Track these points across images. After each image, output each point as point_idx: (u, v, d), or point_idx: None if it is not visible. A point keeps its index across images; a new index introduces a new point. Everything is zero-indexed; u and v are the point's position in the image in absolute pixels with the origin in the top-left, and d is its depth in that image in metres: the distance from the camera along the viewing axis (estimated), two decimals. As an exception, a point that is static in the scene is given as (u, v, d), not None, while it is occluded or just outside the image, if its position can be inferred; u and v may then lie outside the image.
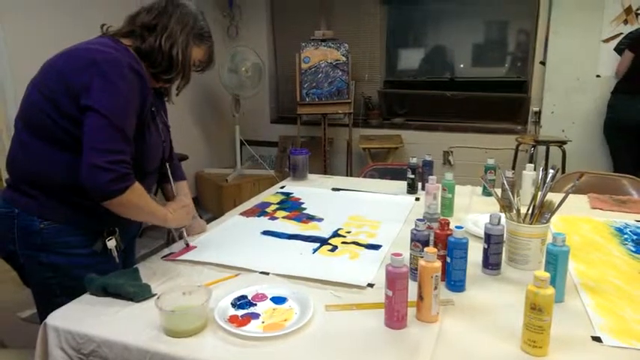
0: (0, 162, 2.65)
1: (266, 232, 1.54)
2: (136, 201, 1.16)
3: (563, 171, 3.27)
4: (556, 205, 1.25)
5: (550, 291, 0.88)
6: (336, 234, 1.52)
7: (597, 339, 0.95)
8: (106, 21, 1.31)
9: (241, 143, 4.25)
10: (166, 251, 1.37)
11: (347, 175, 4.12)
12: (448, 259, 1.13)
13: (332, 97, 3.88)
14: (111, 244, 1.25)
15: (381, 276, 1.11)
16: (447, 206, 1.67)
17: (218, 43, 5.00)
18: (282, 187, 2.07)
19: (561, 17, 3.63)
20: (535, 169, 1.73)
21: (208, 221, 1.63)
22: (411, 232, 1.18)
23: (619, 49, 3.45)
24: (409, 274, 1.00)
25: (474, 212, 1.67)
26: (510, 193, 1.35)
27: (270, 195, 1.96)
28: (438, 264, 0.99)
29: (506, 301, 1.09)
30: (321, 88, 3.88)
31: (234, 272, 1.24)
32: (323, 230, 1.56)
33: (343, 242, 1.45)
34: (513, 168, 3.43)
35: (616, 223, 1.60)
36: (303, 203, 1.85)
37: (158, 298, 0.98)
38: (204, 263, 1.29)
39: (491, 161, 1.86)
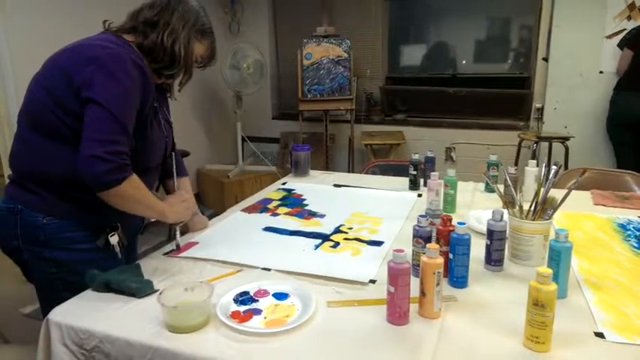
0: (2, 158, 2.66)
1: (268, 229, 1.54)
2: (133, 193, 1.16)
3: (566, 167, 3.26)
4: (559, 201, 1.24)
5: (553, 287, 0.88)
6: (338, 230, 1.52)
7: (600, 335, 0.95)
8: (108, 17, 1.31)
9: (243, 140, 4.25)
10: (168, 248, 1.36)
11: (349, 172, 4.12)
12: (450, 256, 1.13)
13: (334, 94, 3.88)
14: (114, 239, 1.25)
15: (383, 272, 1.11)
16: (450, 202, 1.66)
17: (220, 39, 4.97)
18: (283, 184, 2.07)
19: (564, 12, 3.61)
20: (538, 166, 1.73)
21: (210, 217, 1.63)
22: (413, 229, 1.18)
23: (622, 46, 3.43)
24: (411, 270, 1.00)
25: (476, 208, 1.66)
26: (513, 190, 1.35)
27: (271, 191, 1.96)
28: (441, 260, 0.99)
29: (509, 298, 1.09)
30: (322, 84, 3.87)
31: (236, 268, 1.24)
32: (325, 226, 1.56)
33: (345, 238, 1.45)
34: (516, 164, 3.42)
35: (619, 220, 1.59)
36: (304, 199, 1.85)
37: (160, 293, 0.98)
38: (206, 259, 1.29)
39: (493, 157, 1.85)
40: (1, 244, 1.26)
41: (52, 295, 1.18)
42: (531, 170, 1.74)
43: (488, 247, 1.23)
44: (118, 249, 1.26)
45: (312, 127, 4.37)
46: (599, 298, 1.09)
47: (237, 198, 2.39)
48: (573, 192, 1.27)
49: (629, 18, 3.45)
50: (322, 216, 1.66)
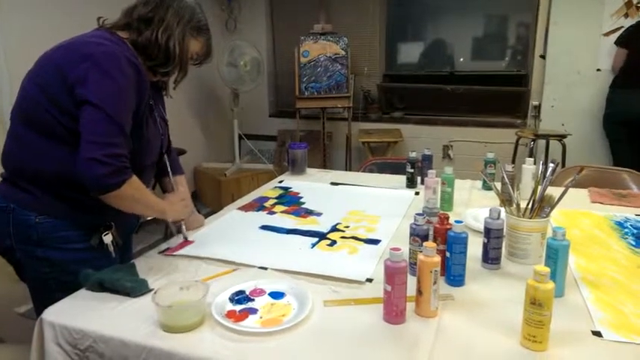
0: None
1: (264, 227, 1.53)
2: (133, 194, 1.15)
3: (563, 165, 3.26)
4: (556, 199, 1.24)
5: (550, 286, 0.87)
6: (334, 229, 1.51)
7: (597, 333, 0.94)
8: (102, 14, 1.29)
9: (240, 137, 4.23)
10: (164, 246, 1.36)
11: (346, 170, 4.11)
12: (447, 254, 1.12)
13: (331, 91, 3.86)
14: (107, 238, 1.24)
15: (379, 271, 1.10)
16: (447, 200, 1.66)
17: (216, 37, 4.93)
18: (280, 182, 2.06)
19: (561, 9, 3.60)
20: (535, 163, 1.72)
21: (207, 216, 1.62)
22: (410, 227, 1.17)
23: (619, 43, 3.43)
24: (408, 268, 0.99)
25: (473, 206, 1.66)
26: (510, 187, 1.34)
27: (268, 189, 1.95)
28: (438, 258, 0.98)
29: (506, 296, 1.08)
30: (320, 81, 3.86)
31: (232, 267, 1.23)
32: (322, 225, 1.55)
33: (342, 237, 1.44)
34: (513, 162, 3.42)
35: (616, 217, 1.59)
36: (301, 198, 1.84)
37: (155, 293, 0.97)
38: (202, 258, 1.28)
39: (491, 155, 1.85)
40: (-6, 243, 1.25)
41: (46, 294, 1.17)
42: (528, 168, 1.73)
43: (485, 246, 1.22)
44: (112, 248, 1.25)
45: (309, 125, 4.36)
46: (597, 297, 1.08)
47: (233, 196, 2.39)
48: (570, 190, 1.26)
49: (626, 15, 3.44)
50: (319, 214, 1.65)
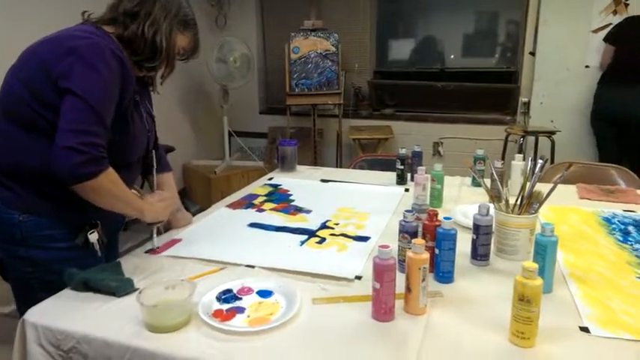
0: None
1: (253, 225, 1.52)
2: (110, 187, 1.12)
3: (552, 161, 3.27)
4: (545, 195, 1.24)
5: (538, 282, 0.87)
6: (324, 226, 1.50)
7: (585, 329, 0.94)
8: (87, 8, 1.27)
9: (230, 134, 4.21)
10: (150, 245, 1.33)
11: (337, 166, 4.10)
12: (436, 251, 1.12)
13: (322, 88, 3.85)
14: (93, 237, 1.22)
15: (369, 268, 1.08)
16: (436, 197, 1.66)
17: (206, 32, 4.88)
18: (270, 179, 2.05)
19: (551, 7, 3.61)
20: (524, 160, 1.73)
21: (196, 213, 1.60)
22: (400, 224, 1.17)
23: (607, 40, 3.45)
24: (397, 265, 0.98)
25: (463, 203, 1.66)
26: (499, 184, 1.34)
27: (257, 187, 1.94)
28: (426, 255, 0.97)
29: (495, 292, 1.08)
30: (310, 78, 3.84)
31: (220, 266, 1.21)
32: (311, 222, 1.54)
33: (331, 234, 1.43)
34: (503, 158, 3.43)
35: (604, 213, 1.60)
36: (291, 195, 1.83)
37: (140, 292, 0.96)
38: (189, 257, 1.26)
39: (480, 152, 1.85)
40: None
41: (29, 294, 1.15)
42: (518, 164, 1.74)
43: (474, 242, 1.22)
44: (97, 247, 1.22)
45: (300, 122, 4.34)
46: (585, 292, 1.09)
47: (223, 194, 2.37)
48: (559, 186, 1.26)
49: (614, 12, 3.46)
50: (309, 211, 1.64)
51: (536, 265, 0.87)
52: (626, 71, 3.25)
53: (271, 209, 1.67)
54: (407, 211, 1.17)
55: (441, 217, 1.14)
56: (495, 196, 1.30)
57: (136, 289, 1.06)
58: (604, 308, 1.02)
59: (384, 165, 2.35)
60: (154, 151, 1.40)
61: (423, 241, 0.99)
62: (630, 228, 1.47)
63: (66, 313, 1.00)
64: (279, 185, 1.95)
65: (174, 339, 0.90)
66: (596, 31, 3.52)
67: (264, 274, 1.17)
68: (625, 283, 1.13)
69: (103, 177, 1.08)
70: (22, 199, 1.16)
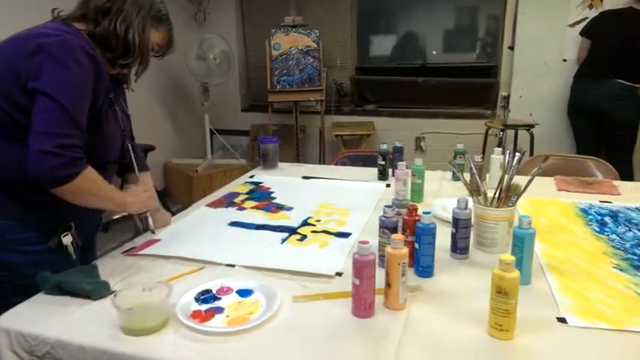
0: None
1: (233, 224, 1.50)
2: (90, 187, 1.10)
3: (532, 154, 3.32)
4: (522, 188, 1.25)
5: (515, 274, 0.87)
6: (305, 223, 1.49)
7: (562, 320, 0.95)
8: (57, 5, 1.23)
9: (211, 132, 4.16)
10: (128, 246, 1.31)
11: (320, 163, 4.09)
12: (416, 245, 1.12)
13: (303, 84, 3.83)
14: (67, 240, 1.19)
15: (349, 264, 1.08)
16: (417, 192, 1.66)
17: (185, 29, 4.81)
18: (251, 177, 2.03)
19: (528, 1, 3.66)
20: (503, 153, 1.74)
21: (176, 213, 1.58)
22: (380, 219, 1.16)
23: (582, 34, 3.50)
24: (377, 261, 0.98)
25: (443, 197, 1.66)
26: (478, 177, 1.35)
27: (238, 185, 1.92)
28: (405, 251, 0.97)
29: (475, 286, 1.08)
30: (292, 75, 3.82)
31: (199, 266, 1.20)
32: (292, 220, 1.53)
33: (313, 231, 1.42)
34: (483, 152, 3.47)
35: (581, 205, 1.62)
36: (272, 192, 1.81)
37: (115, 295, 0.94)
38: (168, 257, 1.24)
39: (460, 146, 1.86)
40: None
41: (2, 299, 1.11)
42: (497, 158, 1.75)
43: (453, 236, 1.22)
44: (71, 249, 1.20)
45: (282, 119, 4.32)
46: (563, 284, 1.10)
47: (205, 192, 2.34)
48: (538, 178, 1.27)
49: (590, 6, 3.52)
50: (290, 209, 1.63)
51: (513, 258, 0.88)
52: (600, 65, 3.30)
53: (252, 207, 1.65)
54: (387, 206, 1.17)
55: (421, 211, 1.15)
56: (474, 190, 1.31)
57: (111, 292, 1.04)
58: (581, 299, 1.03)
59: (366, 161, 2.35)
60: (131, 150, 1.38)
61: (402, 237, 0.99)
62: (606, 219, 1.50)
63: (40, 317, 0.97)
64: (261, 183, 1.93)
65: (151, 342, 0.89)
66: (572, 25, 3.57)
67: (245, 273, 1.16)
68: (602, 274, 1.15)
69: (81, 178, 1.07)
70: (-8, 202, 1.13)
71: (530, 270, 1.10)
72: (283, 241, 1.36)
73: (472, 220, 1.23)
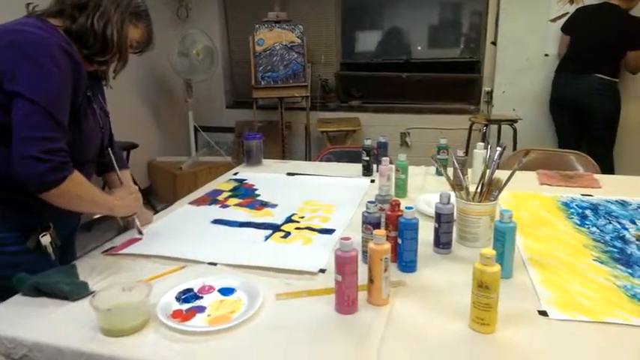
0: None
1: (216, 221, 1.48)
2: (76, 191, 1.09)
3: (515, 148, 3.35)
4: (504, 182, 1.26)
5: (496, 268, 0.88)
6: (289, 220, 1.49)
7: (543, 313, 0.96)
8: (32, 0, 1.20)
9: (196, 130, 4.12)
10: (108, 245, 1.29)
11: (306, 159, 4.08)
12: (399, 241, 1.12)
13: (288, 80, 3.81)
14: (45, 240, 1.17)
15: (333, 261, 1.08)
16: (401, 187, 1.66)
17: (167, 25, 4.74)
18: (235, 174, 2.02)
19: (511, -3, 3.69)
20: (486, 148, 1.75)
21: (159, 212, 1.56)
22: (362, 215, 1.16)
23: (563, 29, 3.54)
24: (360, 257, 0.98)
25: (427, 192, 1.67)
26: (460, 172, 1.35)
27: (222, 182, 1.90)
28: (388, 246, 0.97)
29: (457, 280, 1.09)
30: (276, 71, 3.80)
31: (181, 264, 1.18)
32: (276, 216, 1.52)
33: (296, 228, 1.42)
34: (467, 147, 3.49)
35: (563, 198, 1.64)
36: (256, 189, 1.80)
37: (94, 296, 0.92)
38: (149, 256, 1.22)
39: (443, 141, 1.87)
40: None
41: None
42: (479, 153, 1.76)
43: (436, 230, 1.23)
44: (50, 250, 1.17)
45: (267, 116, 4.30)
46: (544, 277, 1.11)
47: (190, 190, 2.32)
48: (520, 172, 1.29)
49: (571, 2, 3.56)
50: (274, 206, 1.62)
51: (493, 252, 0.88)
52: (579, 60, 3.34)
53: (236, 205, 1.64)
54: (370, 202, 1.17)
55: (403, 206, 1.15)
56: (457, 185, 1.31)
57: (90, 293, 1.02)
58: (562, 291, 1.05)
59: (352, 157, 2.35)
60: (110, 149, 1.35)
61: (384, 232, 0.99)
62: (587, 212, 1.52)
63: (17, 320, 0.95)
64: (245, 180, 1.92)
65: (131, 342, 0.87)
66: (554, 20, 3.61)
67: (227, 271, 1.15)
68: (582, 266, 1.17)
69: (68, 182, 1.06)
70: (-33, 203, 1.10)
71: (512, 264, 1.11)
72: (267, 238, 1.35)
73: (455, 214, 1.23)
